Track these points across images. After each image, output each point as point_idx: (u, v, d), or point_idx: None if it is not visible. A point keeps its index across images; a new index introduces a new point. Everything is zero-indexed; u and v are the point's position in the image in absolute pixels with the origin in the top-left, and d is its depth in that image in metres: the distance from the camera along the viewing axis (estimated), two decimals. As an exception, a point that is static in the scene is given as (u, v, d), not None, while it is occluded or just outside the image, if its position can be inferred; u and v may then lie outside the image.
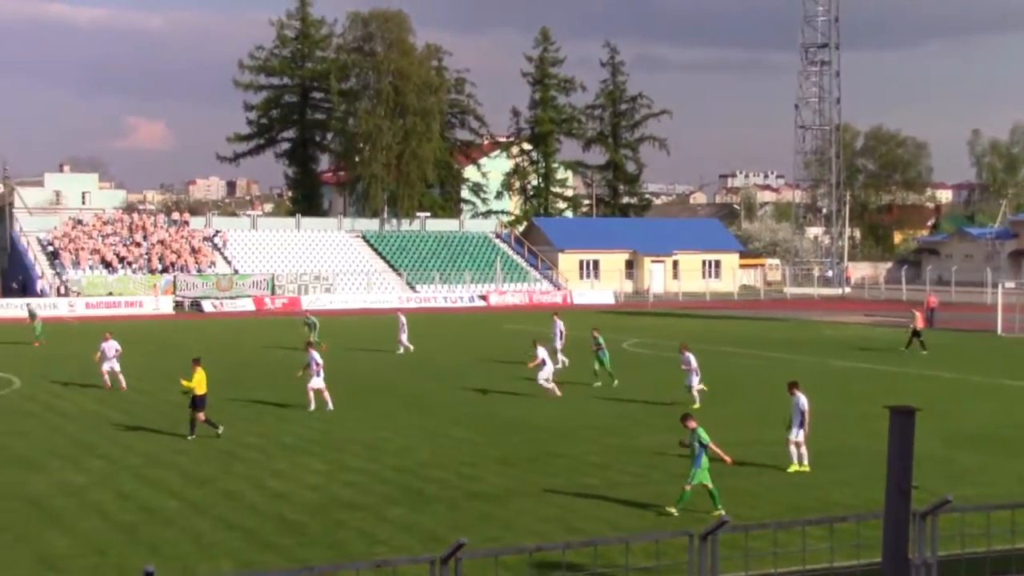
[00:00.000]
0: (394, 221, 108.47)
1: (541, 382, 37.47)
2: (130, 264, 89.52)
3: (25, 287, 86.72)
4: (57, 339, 57.07)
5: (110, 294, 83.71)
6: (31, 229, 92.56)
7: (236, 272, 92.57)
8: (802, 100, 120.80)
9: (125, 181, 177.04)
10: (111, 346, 39.16)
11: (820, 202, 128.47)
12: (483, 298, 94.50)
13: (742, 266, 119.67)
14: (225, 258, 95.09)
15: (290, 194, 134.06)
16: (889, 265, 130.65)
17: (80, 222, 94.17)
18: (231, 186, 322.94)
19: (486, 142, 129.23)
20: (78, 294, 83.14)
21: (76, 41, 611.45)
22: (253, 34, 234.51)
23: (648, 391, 39.21)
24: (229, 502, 22.45)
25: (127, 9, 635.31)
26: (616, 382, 39.80)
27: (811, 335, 62.75)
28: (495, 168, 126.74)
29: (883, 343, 56.59)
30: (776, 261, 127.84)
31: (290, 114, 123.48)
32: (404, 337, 52.91)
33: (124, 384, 38.68)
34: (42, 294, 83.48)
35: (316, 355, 34.06)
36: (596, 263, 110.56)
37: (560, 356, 45.51)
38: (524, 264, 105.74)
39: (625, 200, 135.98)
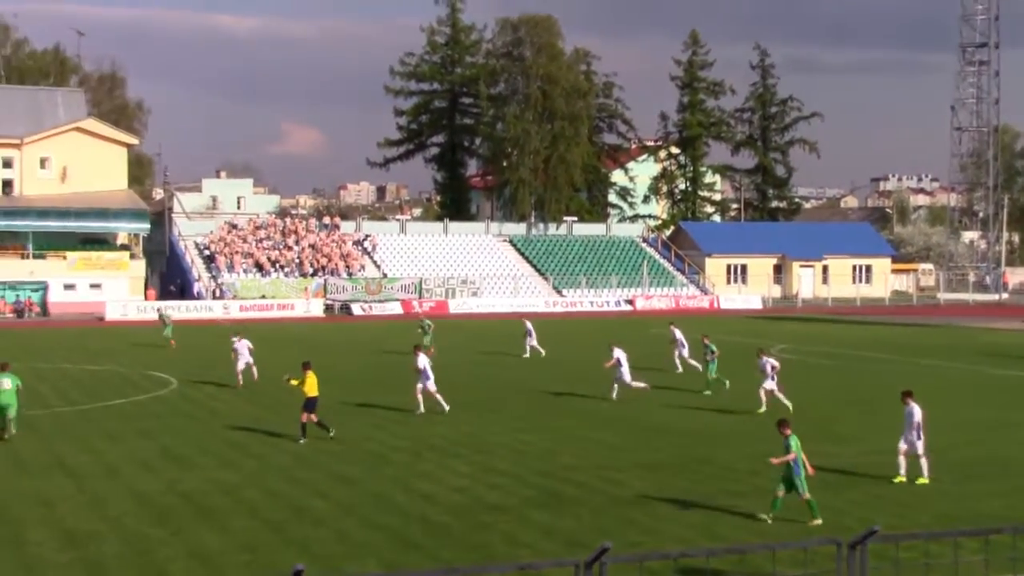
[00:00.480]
0: (541, 225, 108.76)
1: (628, 382, 37.15)
2: (282, 267, 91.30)
3: (183, 290, 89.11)
4: (212, 341, 58.40)
5: (263, 297, 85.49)
6: (189, 233, 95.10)
7: (385, 276, 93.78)
8: (959, 101, 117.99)
9: (278, 186, 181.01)
10: (244, 345, 40.37)
11: (976, 205, 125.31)
12: (629, 302, 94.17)
13: (894, 271, 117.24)
14: (374, 262, 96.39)
15: (438, 198, 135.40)
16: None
17: (235, 226, 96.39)
18: (381, 191, 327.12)
19: (634, 146, 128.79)
20: (233, 297, 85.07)
21: (235, 51, 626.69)
22: (404, 41, 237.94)
23: (796, 398, 38.63)
24: (376, 503, 22.71)
25: (282, 18, 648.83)
26: (728, 384, 39.48)
27: (966, 342, 61.13)
28: (642, 172, 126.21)
29: (1042, 351, 54.84)
30: (930, 266, 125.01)
31: (439, 119, 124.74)
32: (534, 342, 52.59)
33: (256, 375, 40.45)
34: (198, 297, 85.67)
35: (423, 359, 33.94)
36: (744, 268, 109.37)
37: (691, 362, 45.72)
38: (671, 268, 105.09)
39: (774, 204, 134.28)
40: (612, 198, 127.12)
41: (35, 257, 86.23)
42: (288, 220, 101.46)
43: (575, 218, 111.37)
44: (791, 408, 33.59)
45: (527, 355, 51.92)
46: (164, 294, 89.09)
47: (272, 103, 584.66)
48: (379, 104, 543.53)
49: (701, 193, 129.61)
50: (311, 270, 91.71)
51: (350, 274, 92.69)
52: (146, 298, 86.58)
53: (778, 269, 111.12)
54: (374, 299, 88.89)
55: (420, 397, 33.93)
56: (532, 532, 20.46)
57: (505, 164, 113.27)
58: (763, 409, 33.64)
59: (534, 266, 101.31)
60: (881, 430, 31.31)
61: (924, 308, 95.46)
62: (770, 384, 34.79)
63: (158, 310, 66.81)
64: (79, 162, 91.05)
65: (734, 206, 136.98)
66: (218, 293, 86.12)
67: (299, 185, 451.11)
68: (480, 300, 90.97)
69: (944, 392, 40.36)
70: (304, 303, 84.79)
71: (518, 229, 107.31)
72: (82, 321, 77.54)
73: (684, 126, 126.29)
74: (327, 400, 36.25)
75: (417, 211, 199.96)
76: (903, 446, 24.67)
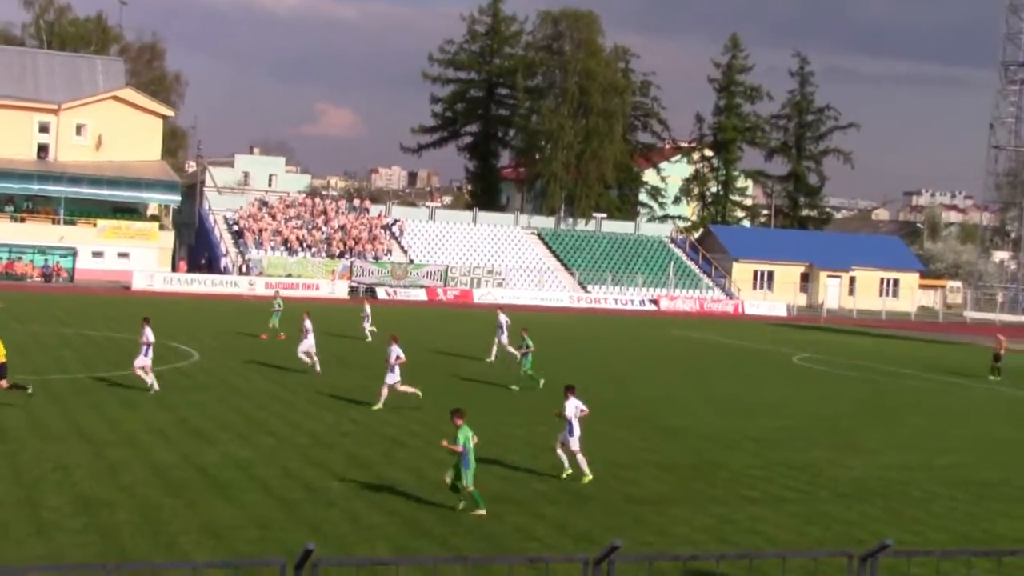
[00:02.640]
0: (570, 220, 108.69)
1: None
2: (309, 247, 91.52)
3: (211, 264, 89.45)
4: (234, 316, 58.60)
5: (288, 275, 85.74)
6: (219, 208, 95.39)
7: (411, 261, 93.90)
8: (998, 119, 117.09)
9: (310, 166, 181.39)
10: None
11: (1009, 225, 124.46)
12: (654, 302, 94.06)
13: (922, 286, 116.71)
14: (402, 247, 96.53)
15: (469, 188, 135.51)
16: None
17: (265, 204, 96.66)
18: (412, 176, 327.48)
19: (667, 146, 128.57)
20: (259, 273, 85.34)
21: (275, 28, 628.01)
22: (443, 28, 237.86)
23: (816, 406, 38.55)
24: (389, 487, 22.75)
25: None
26: (542, 383, 38.09)
27: (989, 361, 60.71)
28: (674, 173, 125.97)
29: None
30: (958, 284, 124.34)
31: (475, 109, 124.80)
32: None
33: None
34: (225, 271, 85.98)
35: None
36: (771, 274, 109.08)
37: (509, 350, 43.80)
38: (697, 271, 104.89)
39: (804, 212, 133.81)
40: (643, 197, 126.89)
41: (66, 223, 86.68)
42: (318, 200, 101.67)
43: (604, 215, 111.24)
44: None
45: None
46: (193, 267, 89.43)
47: (309, 83, 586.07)
48: (415, 90, 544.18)
49: (732, 197, 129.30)
50: (338, 251, 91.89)
51: (376, 258, 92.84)
52: (176, 270, 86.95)
53: (805, 277, 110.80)
54: (399, 284, 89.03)
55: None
56: (543, 526, 20.46)
57: (538, 157, 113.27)
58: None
59: (561, 260, 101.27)
60: (901, 445, 31.23)
61: (950, 325, 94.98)
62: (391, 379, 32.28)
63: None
64: (115, 131, 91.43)
65: (764, 212, 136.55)
66: (245, 269, 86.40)
67: (331, 166, 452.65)
68: (505, 291, 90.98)
69: (966, 411, 40.24)
70: (329, 284, 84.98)
71: (547, 222, 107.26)
72: (108, 289, 77.91)
73: (719, 129, 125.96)
74: (347, 384, 36.35)
75: (447, 199, 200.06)
76: (558, 441, 24.63)
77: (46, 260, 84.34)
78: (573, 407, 24.27)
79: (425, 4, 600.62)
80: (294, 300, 75.22)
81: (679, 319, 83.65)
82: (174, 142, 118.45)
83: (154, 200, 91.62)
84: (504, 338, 45.18)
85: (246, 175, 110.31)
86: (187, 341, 46.52)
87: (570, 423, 24.24)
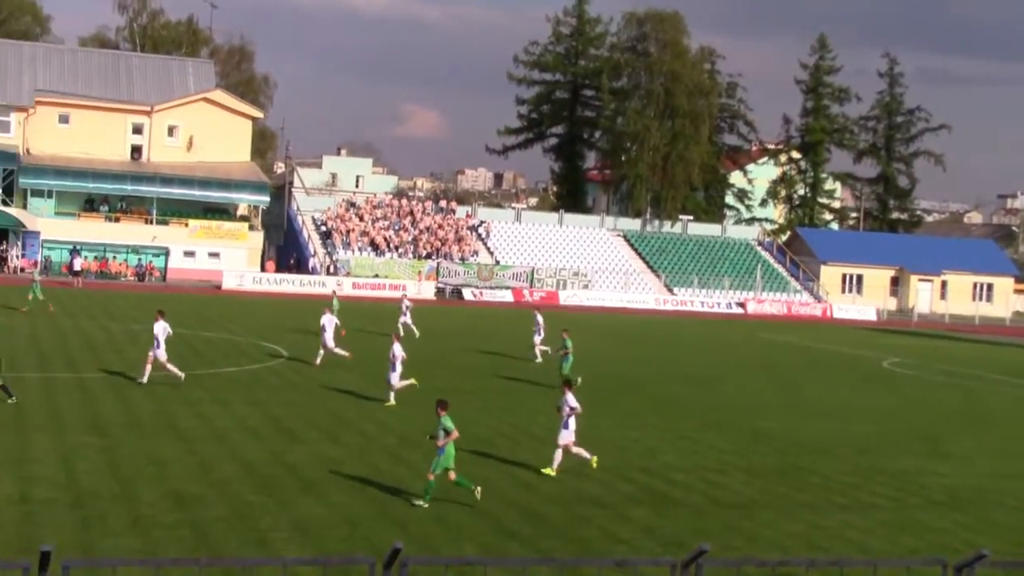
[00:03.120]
0: (656, 222, 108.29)
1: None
2: (396, 248, 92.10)
3: (299, 264, 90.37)
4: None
5: (375, 276, 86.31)
6: (307, 208, 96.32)
7: (498, 263, 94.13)
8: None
9: (397, 167, 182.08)
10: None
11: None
12: (741, 305, 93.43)
13: (1017, 291, 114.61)
14: (488, 248, 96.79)
15: (555, 189, 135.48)
16: None
17: (353, 204, 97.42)
18: (498, 178, 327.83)
19: (754, 148, 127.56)
20: (346, 273, 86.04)
21: (363, 30, 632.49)
22: (530, 30, 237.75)
23: (907, 412, 38.09)
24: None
25: (412, 0, 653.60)
26: (578, 381, 37.99)
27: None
28: (761, 175, 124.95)
29: None
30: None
31: (560, 110, 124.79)
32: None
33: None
34: (313, 272, 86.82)
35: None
36: (859, 278, 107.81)
37: (539, 349, 44.81)
38: (785, 274, 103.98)
39: (894, 215, 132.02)
40: (729, 199, 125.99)
41: (158, 223, 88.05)
42: (405, 201, 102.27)
43: (691, 217, 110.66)
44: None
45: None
46: (281, 267, 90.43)
47: (395, 84, 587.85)
48: (501, 91, 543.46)
49: (820, 200, 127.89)
50: (425, 252, 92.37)
51: (463, 259, 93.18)
52: (265, 270, 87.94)
53: (895, 281, 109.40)
54: (485, 285, 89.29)
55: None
56: (630, 529, 20.43)
57: (624, 159, 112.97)
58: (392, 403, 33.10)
59: (646, 262, 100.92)
60: (995, 452, 30.78)
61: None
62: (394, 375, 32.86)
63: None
64: (205, 132, 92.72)
65: (853, 215, 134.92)
66: (332, 269, 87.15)
67: (417, 167, 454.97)
68: (591, 293, 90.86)
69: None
70: (416, 285, 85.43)
71: (633, 224, 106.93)
72: (199, 288, 79.04)
73: (807, 131, 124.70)
74: (438, 384, 36.50)
75: (533, 200, 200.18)
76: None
77: (139, 259, 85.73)
78: (570, 402, 24.59)
79: (511, 6, 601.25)
80: (381, 300, 75.85)
81: (766, 322, 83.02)
82: (263, 143, 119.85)
83: (244, 200, 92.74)
84: (538, 338, 45.45)
85: (334, 176, 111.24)
86: (276, 340, 47.05)
87: (566, 418, 24.56)
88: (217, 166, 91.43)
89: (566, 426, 24.48)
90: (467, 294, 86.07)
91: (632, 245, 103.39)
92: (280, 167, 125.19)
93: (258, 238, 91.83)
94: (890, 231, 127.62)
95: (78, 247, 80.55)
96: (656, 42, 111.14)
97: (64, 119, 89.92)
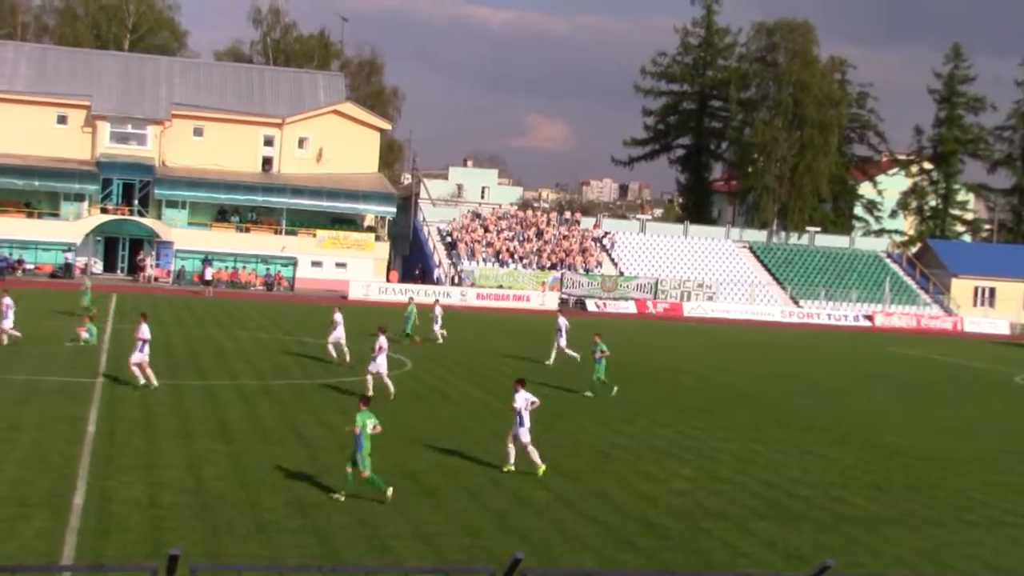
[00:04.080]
0: (783, 234, 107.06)
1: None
2: (521, 259, 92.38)
3: (424, 275, 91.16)
4: (450, 326, 59.50)
5: (500, 287, 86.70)
6: (433, 219, 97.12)
7: (622, 274, 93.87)
8: None
9: (522, 178, 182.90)
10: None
11: None
12: (868, 318, 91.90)
13: None
14: (612, 259, 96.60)
15: (680, 200, 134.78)
16: None
17: (478, 215, 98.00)
18: (623, 189, 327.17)
19: (884, 159, 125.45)
20: (471, 284, 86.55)
21: (489, 42, 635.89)
22: (657, 40, 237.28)
23: (1040, 430, 37.12)
24: (596, 499, 22.81)
25: (537, 12, 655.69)
26: (615, 390, 37.20)
27: None
28: (891, 186, 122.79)
29: None
30: None
31: (687, 121, 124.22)
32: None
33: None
34: (438, 283, 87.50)
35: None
36: (992, 291, 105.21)
37: (569, 353, 44.91)
38: (915, 287, 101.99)
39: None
40: (858, 211, 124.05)
41: (287, 233, 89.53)
42: (530, 212, 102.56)
43: (818, 228, 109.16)
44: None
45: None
46: (406, 277, 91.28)
47: (521, 95, 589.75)
48: (627, 102, 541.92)
49: (952, 211, 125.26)
50: (549, 263, 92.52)
51: (587, 270, 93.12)
52: (389, 280, 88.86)
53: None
54: (609, 296, 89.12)
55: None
56: (753, 542, 20.23)
57: (750, 170, 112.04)
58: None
59: (772, 274, 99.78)
60: None
61: None
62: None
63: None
64: (334, 144, 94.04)
65: (987, 227, 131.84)
66: (457, 280, 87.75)
67: (542, 178, 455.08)
68: (715, 305, 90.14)
69: None
70: (540, 295, 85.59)
71: (759, 236, 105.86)
72: (326, 298, 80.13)
73: (939, 141, 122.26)
74: (552, 393, 36.50)
75: (658, 211, 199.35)
76: (510, 436, 24.86)
77: (268, 269, 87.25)
78: (523, 400, 24.71)
79: (638, 17, 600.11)
80: (504, 312, 76.11)
81: (895, 336, 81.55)
82: (391, 155, 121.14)
83: (371, 211, 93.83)
84: (563, 341, 45.46)
85: (459, 187, 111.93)
86: (400, 350, 47.50)
87: (520, 415, 24.67)
88: (345, 177, 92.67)
89: (522, 424, 24.72)
90: (590, 305, 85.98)
91: (758, 257, 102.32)
92: (407, 178, 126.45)
93: (384, 248, 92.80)
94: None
95: (210, 257, 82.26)
96: (785, 52, 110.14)
97: (198, 132, 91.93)
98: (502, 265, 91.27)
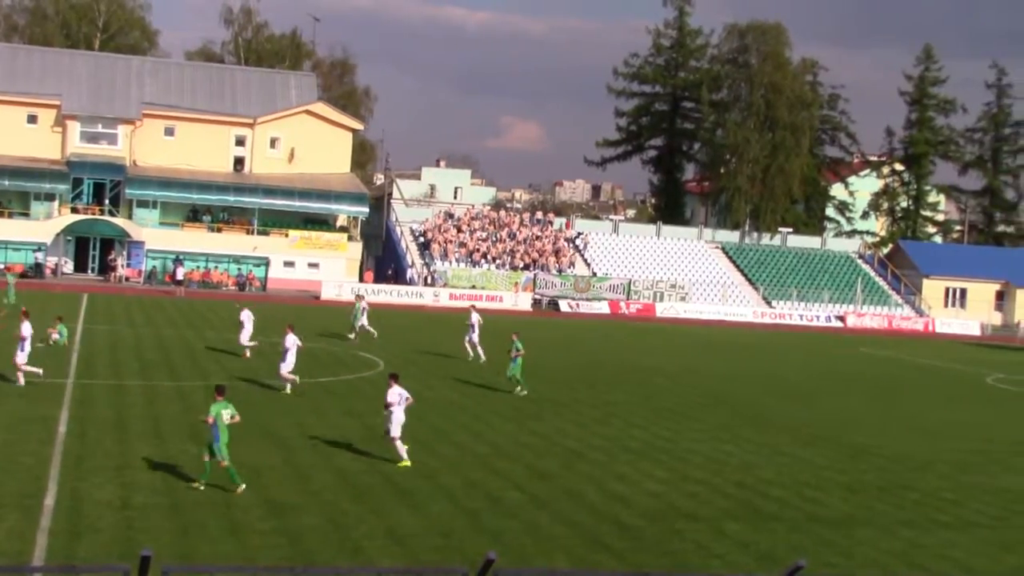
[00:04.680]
0: (755, 234, 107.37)
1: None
2: (494, 259, 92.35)
3: (397, 275, 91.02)
4: (420, 326, 59.57)
5: (472, 287, 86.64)
6: (405, 219, 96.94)
7: (595, 275, 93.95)
8: None
9: (495, 179, 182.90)
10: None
11: None
12: (840, 319, 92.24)
13: None
14: (585, 260, 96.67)
15: (653, 201, 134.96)
16: None
17: (451, 216, 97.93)
18: (596, 190, 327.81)
19: (856, 160, 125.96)
20: (443, 284, 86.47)
21: (463, 44, 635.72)
22: (630, 41, 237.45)
23: (1011, 429, 37.33)
24: (570, 499, 22.81)
25: (513, 13, 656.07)
26: (524, 391, 36.96)
27: None
28: (863, 187, 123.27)
29: None
30: None
31: (659, 122, 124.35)
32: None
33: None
34: (411, 282, 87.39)
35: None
36: (963, 292, 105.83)
37: (479, 350, 45.49)
38: (886, 287, 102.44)
39: (1000, 228, 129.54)
40: (830, 212, 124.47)
41: (259, 233, 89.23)
42: (503, 213, 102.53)
43: (790, 229, 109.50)
44: None
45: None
46: (379, 278, 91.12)
47: (494, 96, 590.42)
48: (600, 103, 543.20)
49: (923, 213, 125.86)
50: (522, 264, 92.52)
51: (560, 271, 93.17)
52: (364, 280, 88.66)
53: (1000, 296, 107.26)
54: (582, 297, 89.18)
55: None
56: (725, 544, 20.26)
57: (723, 171, 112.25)
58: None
59: (745, 275, 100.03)
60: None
61: None
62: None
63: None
64: (306, 144, 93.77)
65: (957, 228, 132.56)
66: (430, 280, 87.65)
67: (516, 179, 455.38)
68: (688, 305, 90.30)
69: None
70: (513, 296, 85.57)
71: (731, 237, 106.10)
72: (298, 299, 79.90)
73: (910, 143, 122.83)
74: (532, 395, 36.48)
75: (631, 212, 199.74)
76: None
77: (240, 269, 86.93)
78: (396, 395, 25.35)
79: (613, 18, 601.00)
80: (483, 312, 75.94)
81: (866, 336, 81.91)
82: (363, 155, 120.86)
83: (343, 211, 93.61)
84: (475, 336, 45.96)
85: (432, 187, 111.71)
86: (373, 350, 47.40)
87: (391, 409, 25.33)
88: (317, 177, 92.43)
89: (392, 418, 25.29)
90: (563, 306, 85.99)
91: (730, 257, 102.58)
92: (379, 179, 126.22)
93: (357, 249, 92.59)
94: (995, 244, 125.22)
95: (181, 257, 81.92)
96: (757, 54, 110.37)
97: (170, 131, 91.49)
98: (475, 265, 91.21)
